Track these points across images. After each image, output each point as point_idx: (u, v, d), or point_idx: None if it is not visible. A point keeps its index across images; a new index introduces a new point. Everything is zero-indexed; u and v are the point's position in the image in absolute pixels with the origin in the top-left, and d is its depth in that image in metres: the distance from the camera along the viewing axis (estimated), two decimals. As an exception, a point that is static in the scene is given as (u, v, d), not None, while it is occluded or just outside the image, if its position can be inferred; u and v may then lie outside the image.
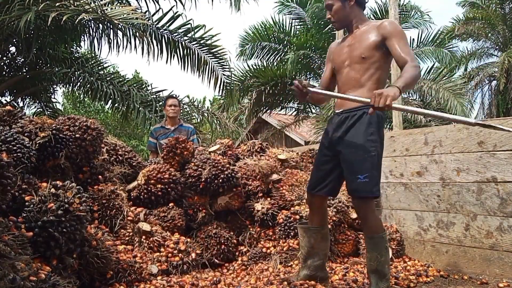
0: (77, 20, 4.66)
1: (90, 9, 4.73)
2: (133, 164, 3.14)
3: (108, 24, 6.20)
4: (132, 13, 5.17)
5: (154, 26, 6.50)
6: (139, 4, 6.82)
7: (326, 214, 2.46)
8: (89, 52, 7.85)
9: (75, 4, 4.75)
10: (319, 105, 2.47)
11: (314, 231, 2.40)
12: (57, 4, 4.66)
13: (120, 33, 6.62)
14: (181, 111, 7.45)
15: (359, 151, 2.10)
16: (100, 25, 6.66)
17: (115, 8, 5.35)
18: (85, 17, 4.66)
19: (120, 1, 6.62)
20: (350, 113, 2.18)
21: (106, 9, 5.05)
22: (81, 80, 7.25)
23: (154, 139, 4.58)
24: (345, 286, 2.43)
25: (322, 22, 10.48)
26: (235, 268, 2.87)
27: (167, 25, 6.74)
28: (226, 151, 3.56)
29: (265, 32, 11.00)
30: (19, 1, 4.77)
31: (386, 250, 2.16)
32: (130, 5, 6.51)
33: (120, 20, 4.99)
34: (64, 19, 4.56)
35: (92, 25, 6.76)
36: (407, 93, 10.21)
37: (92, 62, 7.88)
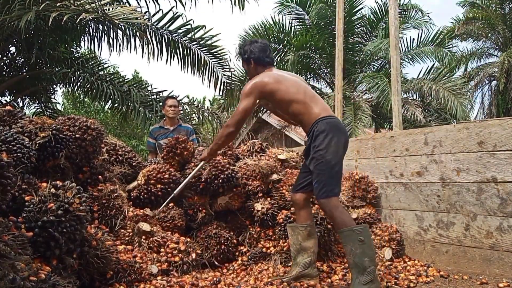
0: (78, 20, 4.66)
1: (91, 9, 4.73)
2: (133, 164, 3.14)
3: (108, 24, 6.21)
4: (132, 13, 5.17)
5: (154, 26, 6.51)
6: (139, 4, 6.83)
7: (310, 210, 2.65)
8: (89, 52, 7.86)
9: (76, 4, 4.75)
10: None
11: (301, 228, 2.56)
12: (58, 4, 4.66)
13: (120, 33, 6.63)
14: (181, 111, 7.46)
15: (311, 164, 2.41)
16: (100, 25, 6.67)
17: (116, 8, 5.35)
18: (85, 17, 4.66)
19: (120, 1, 6.62)
20: (309, 133, 2.50)
21: (107, 9, 5.05)
22: (81, 80, 7.26)
23: (153, 139, 4.57)
24: (346, 286, 2.43)
25: (323, 23, 10.49)
26: (235, 268, 2.87)
27: (167, 25, 6.75)
28: (226, 151, 3.56)
29: (265, 32, 11.01)
30: (19, 1, 4.77)
31: (360, 242, 2.21)
32: (130, 5, 6.51)
33: (121, 20, 5.00)
34: (64, 19, 4.55)
35: (93, 25, 6.77)
36: (406, 93, 10.21)
37: (92, 62, 7.88)
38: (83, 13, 4.60)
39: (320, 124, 2.42)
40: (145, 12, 6.50)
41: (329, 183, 2.35)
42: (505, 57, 12.66)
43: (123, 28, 6.20)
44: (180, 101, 7.61)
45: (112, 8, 5.21)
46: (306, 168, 2.55)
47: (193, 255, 2.69)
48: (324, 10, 10.11)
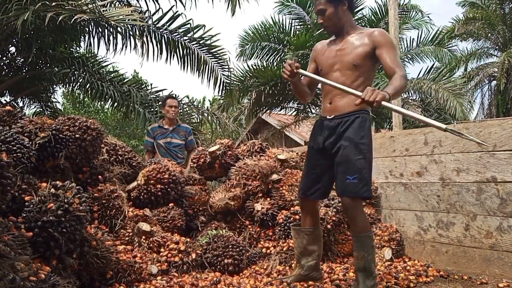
0: (72, 20, 4.65)
1: (87, 10, 4.72)
2: (133, 164, 3.14)
3: (106, 25, 6.20)
4: (130, 14, 5.16)
5: (153, 26, 6.50)
6: (139, 4, 6.83)
7: (317, 216, 2.53)
8: (89, 52, 7.85)
9: (72, 4, 4.74)
10: (300, 99, 2.47)
11: (306, 232, 2.44)
12: (53, 4, 4.65)
13: (119, 34, 6.62)
14: (181, 111, 7.46)
15: (350, 153, 2.16)
16: (99, 26, 6.66)
17: (114, 9, 5.35)
18: (81, 17, 4.65)
19: (120, 1, 6.62)
20: (343, 118, 2.23)
21: (104, 10, 5.04)
22: (80, 80, 7.25)
23: (151, 138, 4.56)
24: (346, 286, 2.43)
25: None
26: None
27: (167, 25, 6.74)
28: (226, 151, 3.57)
29: (265, 32, 11.00)
30: (16, 1, 4.76)
31: (372, 248, 2.21)
32: (130, 4, 6.50)
33: (118, 21, 4.98)
34: (60, 19, 4.55)
35: (91, 26, 6.76)
36: (406, 93, 10.21)
37: (92, 61, 7.88)
38: (79, 13, 4.59)
39: (368, 115, 2.24)
40: (145, 12, 6.50)
41: (369, 183, 2.17)
42: (505, 57, 12.65)
43: (121, 29, 6.19)
44: (180, 101, 7.62)
45: (110, 9, 5.21)
46: (319, 167, 2.33)
47: (193, 255, 2.69)
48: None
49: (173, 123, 4.59)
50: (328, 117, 2.29)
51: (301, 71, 2.22)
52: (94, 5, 4.67)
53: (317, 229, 2.48)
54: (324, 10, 2.26)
